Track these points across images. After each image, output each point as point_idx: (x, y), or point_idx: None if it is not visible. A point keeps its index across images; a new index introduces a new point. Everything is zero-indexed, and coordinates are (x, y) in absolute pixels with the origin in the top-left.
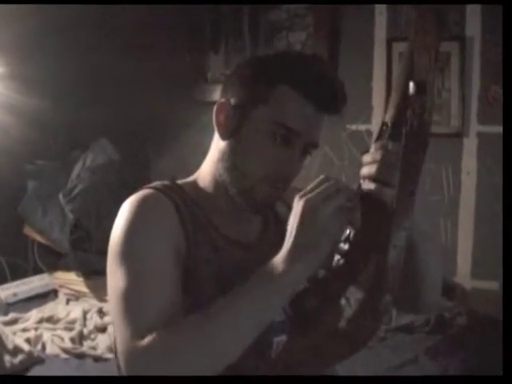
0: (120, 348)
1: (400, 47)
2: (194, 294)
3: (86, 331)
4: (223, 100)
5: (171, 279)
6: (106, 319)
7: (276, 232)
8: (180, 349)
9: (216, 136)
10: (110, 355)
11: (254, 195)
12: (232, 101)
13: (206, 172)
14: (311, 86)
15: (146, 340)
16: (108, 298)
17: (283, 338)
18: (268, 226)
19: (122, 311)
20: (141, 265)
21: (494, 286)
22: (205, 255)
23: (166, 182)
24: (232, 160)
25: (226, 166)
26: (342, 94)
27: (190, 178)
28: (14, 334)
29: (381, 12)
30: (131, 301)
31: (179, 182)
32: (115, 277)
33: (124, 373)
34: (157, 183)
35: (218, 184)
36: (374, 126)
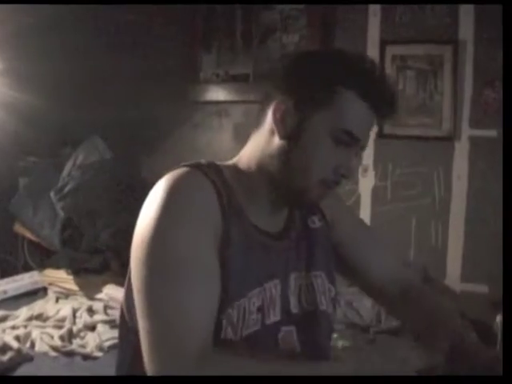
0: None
1: (393, 50)
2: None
3: (75, 329)
4: (280, 100)
5: (213, 273)
6: (96, 317)
7: (299, 225)
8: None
9: (267, 128)
10: (99, 353)
11: (309, 195)
12: (290, 101)
13: (252, 157)
14: (373, 92)
15: (202, 362)
16: (135, 293)
17: (291, 328)
18: (292, 219)
19: (160, 320)
20: (179, 256)
21: (484, 289)
22: (235, 241)
23: (203, 161)
24: (290, 159)
25: (283, 165)
26: (397, 98)
27: (229, 162)
28: (3, 331)
29: (375, 14)
30: (173, 306)
31: (217, 163)
32: (146, 269)
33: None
34: (193, 162)
35: (263, 174)
36: None
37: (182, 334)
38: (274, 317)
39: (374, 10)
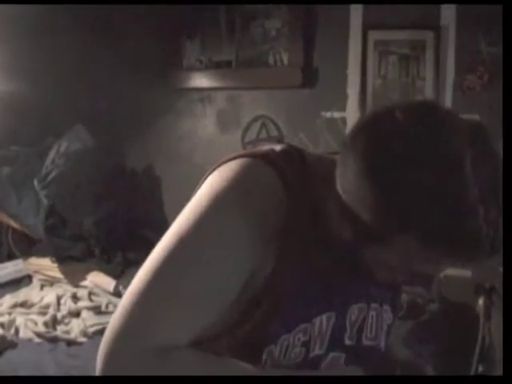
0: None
1: (375, 35)
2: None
3: (59, 316)
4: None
5: (220, 301)
6: (80, 304)
7: None
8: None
9: None
10: (83, 339)
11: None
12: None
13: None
14: (444, 238)
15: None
16: (140, 275)
17: (341, 355)
18: None
19: (147, 302)
20: (211, 258)
21: (467, 273)
22: (289, 273)
23: (284, 147)
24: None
25: None
26: (487, 240)
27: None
28: None
29: None
30: (173, 300)
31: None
32: (161, 261)
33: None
34: (275, 148)
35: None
36: (349, 114)
37: (155, 327)
38: (320, 350)
39: None
